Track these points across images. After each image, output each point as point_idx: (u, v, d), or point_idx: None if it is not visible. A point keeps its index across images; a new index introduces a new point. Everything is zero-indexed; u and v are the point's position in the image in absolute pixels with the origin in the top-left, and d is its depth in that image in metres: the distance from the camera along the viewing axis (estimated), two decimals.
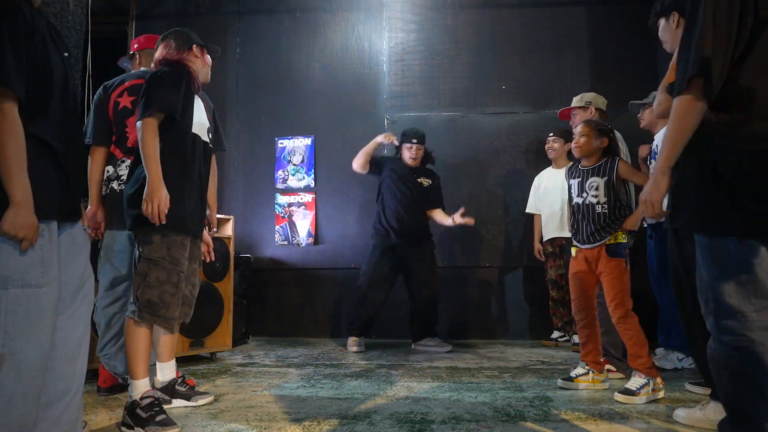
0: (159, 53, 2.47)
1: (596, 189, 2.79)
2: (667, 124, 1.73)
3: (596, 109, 3.52)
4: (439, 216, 4.29)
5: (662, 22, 2.27)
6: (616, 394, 2.55)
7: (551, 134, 4.42)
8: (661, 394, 2.55)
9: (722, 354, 1.52)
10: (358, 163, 4.28)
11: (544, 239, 4.37)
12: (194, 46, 2.49)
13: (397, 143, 4.27)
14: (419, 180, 4.24)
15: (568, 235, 4.15)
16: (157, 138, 2.19)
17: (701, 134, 1.57)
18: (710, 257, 1.55)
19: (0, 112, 1.39)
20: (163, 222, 2.16)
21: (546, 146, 4.43)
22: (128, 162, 2.62)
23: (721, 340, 1.53)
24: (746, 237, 1.47)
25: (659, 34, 2.31)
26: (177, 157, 2.28)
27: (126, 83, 2.77)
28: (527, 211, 4.53)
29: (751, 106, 1.49)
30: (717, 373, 1.55)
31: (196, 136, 2.38)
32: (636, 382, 2.54)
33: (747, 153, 1.48)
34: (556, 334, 4.37)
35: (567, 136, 4.34)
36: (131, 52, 3.03)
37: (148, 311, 2.21)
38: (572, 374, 2.85)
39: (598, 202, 2.77)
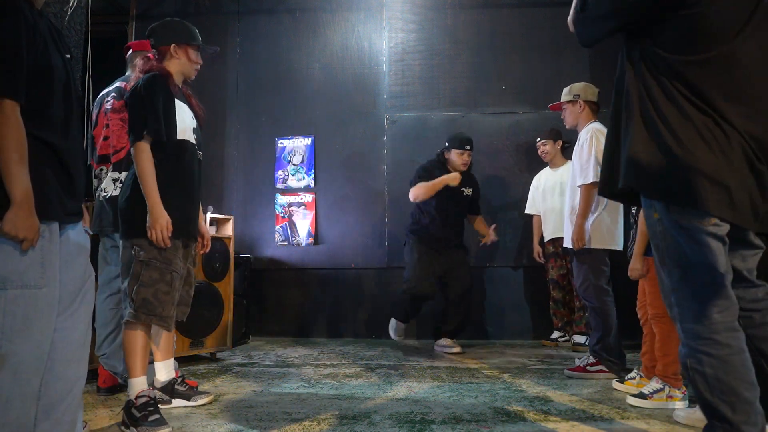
0: (139, 61, 2.49)
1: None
2: None
3: (585, 101, 3.31)
4: (480, 225, 4.26)
5: None
6: (628, 396, 2.53)
7: (539, 139, 4.40)
8: (679, 404, 2.40)
9: (692, 359, 1.50)
10: (422, 197, 4.04)
11: (545, 239, 4.37)
12: (173, 45, 2.44)
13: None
14: (462, 189, 4.14)
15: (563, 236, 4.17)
16: (151, 163, 2.26)
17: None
18: (669, 261, 1.53)
19: (2, 112, 1.39)
20: (168, 246, 2.24)
21: (538, 152, 4.41)
22: (104, 169, 2.73)
23: (689, 345, 1.51)
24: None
25: None
26: (163, 167, 2.30)
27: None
28: (527, 211, 4.54)
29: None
30: (690, 379, 1.54)
31: (182, 141, 2.38)
32: (651, 386, 2.48)
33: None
34: (556, 334, 4.36)
35: (555, 135, 4.33)
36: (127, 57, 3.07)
37: (144, 311, 2.24)
38: (626, 377, 2.80)
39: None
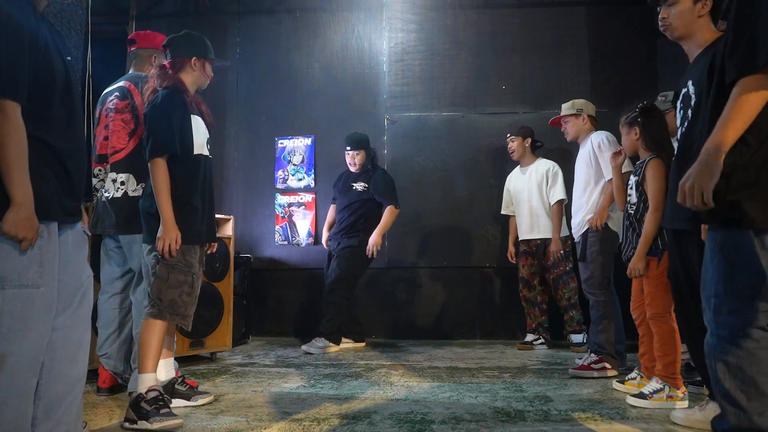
0: (155, 72, 2.50)
1: (631, 188, 2.73)
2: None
3: (588, 116, 3.57)
4: (383, 216, 4.22)
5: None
6: (628, 396, 2.52)
7: (508, 135, 4.38)
8: (679, 404, 2.39)
9: (718, 349, 1.55)
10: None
11: (519, 239, 4.33)
12: (194, 58, 2.51)
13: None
14: (353, 185, 4.29)
15: (539, 236, 4.18)
16: (167, 178, 2.34)
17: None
18: (721, 255, 1.57)
19: (3, 113, 1.40)
20: (174, 256, 2.33)
21: (507, 147, 4.39)
22: (102, 169, 2.75)
23: (718, 334, 1.56)
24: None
25: (666, 13, 2.04)
26: (183, 178, 2.40)
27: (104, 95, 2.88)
28: (502, 212, 4.49)
29: None
30: (712, 368, 1.58)
31: (198, 155, 2.46)
32: (651, 386, 2.47)
33: None
34: (530, 337, 4.24)
35: (525, 133, 4.30)
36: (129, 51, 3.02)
37: (170, 310, 2.33)
38: (627, 377, 2.80)
39: (629, 202, 2.73)
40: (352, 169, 4.33)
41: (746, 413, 1.48)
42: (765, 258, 1.49)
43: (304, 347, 4.03)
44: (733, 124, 1.46)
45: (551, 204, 4.16)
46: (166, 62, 2.53)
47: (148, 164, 2.35)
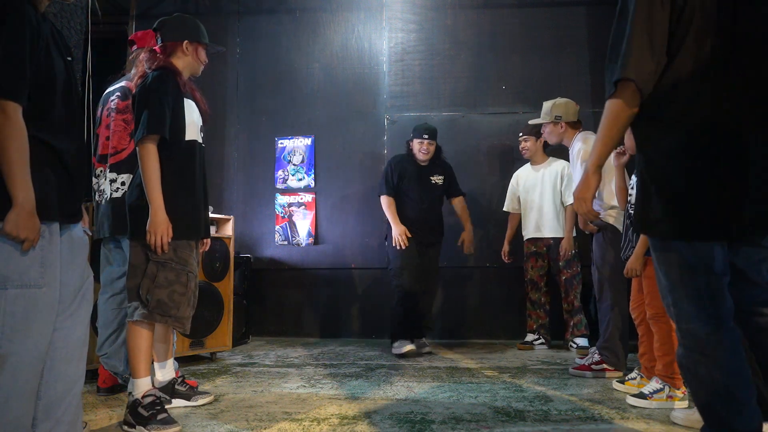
0: (144, 55, 2.39)
1: (632, 188, 2.71)
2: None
3: (566, 123, 3.46)
4: (459, 207, 4.24)
5: None
6: (628, 396, 2.53)
7: (521, 134, 4.35)
8: (679, 404, 2.39)
9: (688, 359, 1.50)
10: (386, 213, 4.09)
11: (525, 238, 4.32)
12: (186, 42, 2.39)
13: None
14: (432, 179, 4.14)
15: (548, 235, 4.17)
16: (157, 163, 2.19)
17: (646, 137, 1.54)
18: (666, 262, 1.52)
19: (4, 114, 1.40)
20: (166, 251, 2.19)
21: (519, 147, 4.37)
22: (103, 170, 2.70)
23: (685, 345, 1.51)
24: (696, 239, 1.45)
25: None
26: (175, 167, 2.27)
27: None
28: (504, 209, 4.47)
29: (681, 106, 1.45)
30: (686, 380, 1.54)
31: (192, 142, 2.35)
32: (651, 386, 2.47)
33: (683, 153, 1.45)
34: (530, 338, 4.27)
35: (538, 132, 4.22)
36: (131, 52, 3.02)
37: (159, 311, 2.21)
38: (627, 377, 2.80)
39: (630, 201, 2.71)
40: (422, 157, 4.11)
41: (728, 426, 1.44)
42: (704, 254, 1.44)
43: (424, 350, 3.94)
44: (602, 142, 1.56)
45: (566, 204, 4.13)
46: (156, 47, 2.41)
47: (137, 148, 2.19)
